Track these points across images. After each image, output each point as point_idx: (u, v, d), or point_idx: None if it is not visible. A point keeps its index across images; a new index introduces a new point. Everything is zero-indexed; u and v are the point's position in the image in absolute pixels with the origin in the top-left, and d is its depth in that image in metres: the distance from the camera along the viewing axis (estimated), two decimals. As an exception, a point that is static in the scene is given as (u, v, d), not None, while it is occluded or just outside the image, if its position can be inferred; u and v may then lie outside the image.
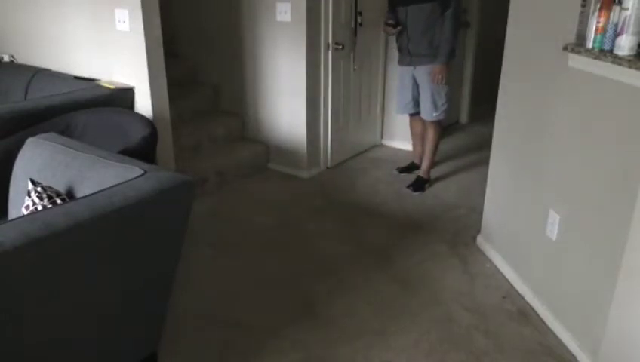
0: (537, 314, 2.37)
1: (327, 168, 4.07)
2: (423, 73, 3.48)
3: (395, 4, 3.48)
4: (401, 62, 3.64)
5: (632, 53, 1.77)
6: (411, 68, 3.53)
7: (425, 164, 3.73)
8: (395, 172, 3.95)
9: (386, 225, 3.21)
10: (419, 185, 3.68)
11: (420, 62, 3.46)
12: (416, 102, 3.63)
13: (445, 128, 5.00)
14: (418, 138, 3.86)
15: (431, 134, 3.65)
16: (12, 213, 2.00)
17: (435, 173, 4.00)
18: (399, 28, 3.48)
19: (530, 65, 2.45)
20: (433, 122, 3.59)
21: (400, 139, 4.47)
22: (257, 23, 3.77)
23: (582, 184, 2.07)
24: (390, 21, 3.51)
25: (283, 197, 3.60)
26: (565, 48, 2.06)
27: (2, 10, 3.54)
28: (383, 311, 2.41)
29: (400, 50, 3.61)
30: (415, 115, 3.73)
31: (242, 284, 2.62)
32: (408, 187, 3.66)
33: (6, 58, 3.60)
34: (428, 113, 3.55)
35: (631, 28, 1.77)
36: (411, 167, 3.95)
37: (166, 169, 1.89)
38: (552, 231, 2.25)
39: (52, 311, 1.46)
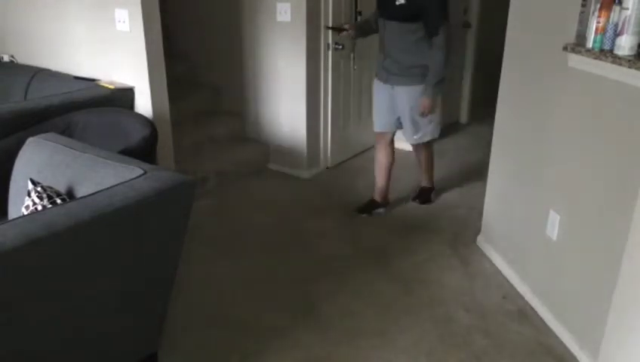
0: (537, 314, 2.37)
1: (327, 168, 4.07)
2: (400, 94, 3.08)
3: (380, 15, 3.07)
4: (378, 77, 3.20)
5: (632, 53, 1.77)
6: (389, 86, 3.11)
7: (427, 176, 3.51)
8: (354, 213, 3.32)
9: (386, 225, 3.21)
10: (425, 196, 3.51)
11: (397, 82, 3.06)
12: (398, 120, 3.20)
13: (445, 128, 5.01)
14: (383, 170, 3.32)
15: (423, 155, 3.39)
16: (12, 213, 2.00)
17: (434, 174, 4.00)
18: (351, 33, 3.21)
19: (530, 65, 2.44)
20: (424, 141, 3.24)
21: (400, 139, 4.44)
22: (257, 23, 3.77)
23: (582, 184, 2.07)
24: (346, 25, 3.28)
25: (283, 197, 3.60)
26: (565, 48, 2.06)
27: (2, 10, 3.53)
28: (383, 311, 2.41)
29: (378, 64, 3.19)
30: (388, 136, 3.30)
31: (242, 284, 2.62)
32: (414, 199, 3.50)
33: (6, 58, 3.60)
34: (409, 135, 3.22)
35: (631, 28, 1.77)
36: (371, 206, 3.35)
37: (166, 169, 1.89)
38: (552, 231, 2.25)
39: (52, 311, 1.46)
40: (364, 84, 4.22)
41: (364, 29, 3.24)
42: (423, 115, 3.05)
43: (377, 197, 3.35)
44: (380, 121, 3.27)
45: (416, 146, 3.34)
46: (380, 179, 3.34)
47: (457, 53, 4.94)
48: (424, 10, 2.85)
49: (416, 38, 2.92)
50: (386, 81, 3.12)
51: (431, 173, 3.51)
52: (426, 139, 3.23)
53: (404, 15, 2.89)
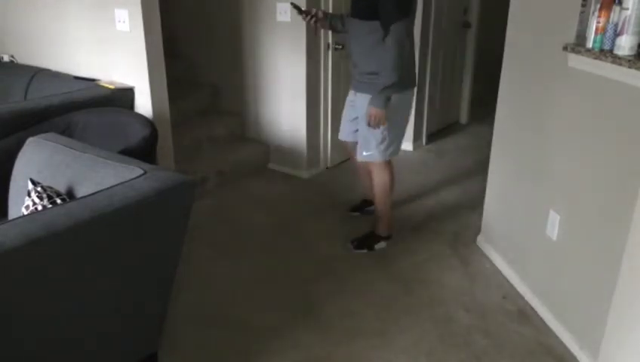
0: (537, 314, 2.37)
1: (327, 168, 4.07)
2: (360, 100, 2.71)
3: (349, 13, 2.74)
4: (350, 82, 2.88)
5: (632, 53, 1.77)
6: (352, 92, 2.81)
7: (377, 216, 2.96)
8: (352, 213, 3.31)
9: (386, 225, 3.21)
10: (364, 241, 2.93)
11: (357, 88, 2.72)
12: (356, 132, 2.86)
13: (445, 128, 5.02)
14: (360, 170, 3.07)
15: (375, 178, 2.84)
16: (12, 213, 2.00)
17: (434, 174, 4.00)
18: (312, 19, 2.74)
19: (530, 65, 2.44)
20: (375, 162, 2.79)
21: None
22: (257, 23, 3.77)
23: (582, 184, 2.07)
24: (313, 10, 2.77)
25: (283, 198, 3.60)
26: (565, 48, 2.06)
27: (2, 10, 3.54)
28: (383, 311, 2.41)
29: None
30: (349, 145, 3.02)
31: (242, 284, 2.62)
32: (352, 242, 2.93)
33: (6, 58, 3.60)
34: (359, 151, 2.81)
35: (631, 28, 1.77)
36: (364, 205, 3.29)
37: (166, 169, 1.89)
38: (552, 231, 2.25)
39: (52, 311, 1.46)
40: (364, 84, 4.22)
41: (332, 23, 2.84)
42: (369, 125, 2.61)
43: (367, 197, 3.24)
44: (341, 130, 3.02)
45: (371, 167, 2.86)
46: (362, 179, 3.14)
47: (457, 53, 4.95)
48: (378, 3, 2.46)
49: (375, 39, 2.51)
50: (351, 86, 2.82)
51: (383, 210, 2.90)
52: (374, 160, 2.77)
53: (362, 11, 2.56)
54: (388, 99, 2.56)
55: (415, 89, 2.76)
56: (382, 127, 2.64)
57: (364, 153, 2.78)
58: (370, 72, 2.59)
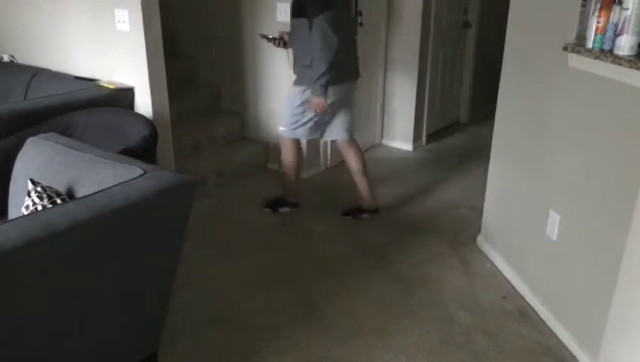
0: (537, 314, 2.37)
1: (327, 168, 4.06)
2: (292, 91, 3.00)
3: None
4: None
5: (632, 53, 1.78)
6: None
7: (283, 184, 3.29)
8: (343, 217, 3.34)
9: (386, 225, 3.21)
10: (273, 203, 3.31)
11: (295, 82, 2.96)
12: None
13: (445, 128, 5.02)
14: (357, 176, 3.21)
15: (282, 151, 3.18)
16: (12, 213, 2.00)
17: (434, 174, 4.00)
18: (278, 42, 3.07)
19: (530, 65, 2.45)
20: (283, 138, 3.13)
21: (400, 139, 4.47)
22: (257, 22, 3.76)
23: (582, 184, 2.07)
24: (283, 34, 3.05)
25: (283, 197, 3.59)
26: (565, 48, 2.06)
27: (2, 10, 3.53)
28: (383, 311, 2.41)
29: None
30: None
31: (242, 284, 2.62)
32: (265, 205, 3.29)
33: (6, 58, 3.60)
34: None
35: (631, 28, 1.77)
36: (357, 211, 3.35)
37: (166, 169, 1.89)
38: (552, 231, 2.25)
39: (52, 311, 1.46)
40: (364, 84, 4.22)
41: None
42: (315, 112, 2.89)
43: (360, 203, 3.26)
44: None
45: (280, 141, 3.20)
46: (354, 184, 3.25)
47: (457, 53, 4.95)
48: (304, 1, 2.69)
49: (304, 36, 2.73)
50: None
51: (286, 180, 3.24)
52: (283, 134, 3.11)
53: (294, 9, 2.79)
54: (324, 86, 2.77)
55: (341, 85, 2.87)
56: (296, 110, 2.94)
57: (280, 128, 3.12)
58: (304, 65, 2.81)
